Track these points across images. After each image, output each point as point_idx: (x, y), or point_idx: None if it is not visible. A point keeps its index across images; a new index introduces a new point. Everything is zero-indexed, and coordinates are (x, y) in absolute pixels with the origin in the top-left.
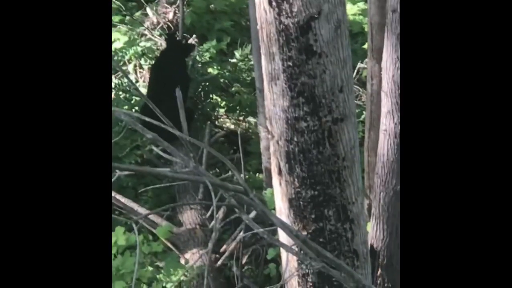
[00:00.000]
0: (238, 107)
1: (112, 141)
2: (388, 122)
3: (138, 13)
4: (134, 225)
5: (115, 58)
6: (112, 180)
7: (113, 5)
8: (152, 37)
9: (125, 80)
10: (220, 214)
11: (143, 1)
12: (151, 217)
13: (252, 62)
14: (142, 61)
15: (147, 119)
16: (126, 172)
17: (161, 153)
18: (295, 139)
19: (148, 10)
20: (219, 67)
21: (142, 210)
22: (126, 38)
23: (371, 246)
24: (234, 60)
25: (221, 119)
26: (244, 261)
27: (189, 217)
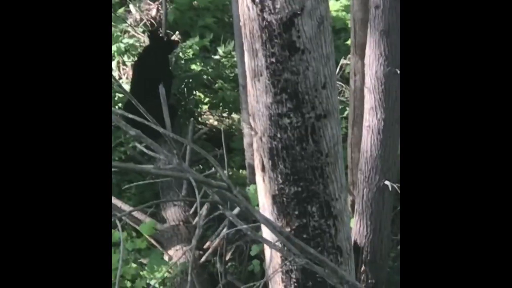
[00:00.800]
0: (221, 104)
1: None
2: (371, 118)
3: (121, 10)
4: (117, 222)
5: None
6: None
7: None
8: (135, 34)
9: None
10: (204, 210)
11: None
12: (135, 214)
13: (235, 59)
14: (125, 58)
15: (130, 116)
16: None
17: (144, 149)
18: (279, 135)
19: (131, 7)
20: (202, 64)
21: (126, 207)
22: None
23: (355, 242)
24: (217, 57)
25: (205, 116)
26: (227, 257)
27: (172, 214)
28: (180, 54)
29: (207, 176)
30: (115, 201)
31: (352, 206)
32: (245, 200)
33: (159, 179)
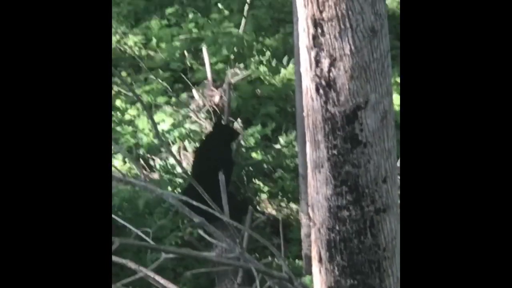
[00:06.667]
0: (280, 193)
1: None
2: None
3: (184, 95)
4: None
5: (163, 139)
6: (159, 261)
7: (160, 86)
8: (198, 120)
9: (170, 161)
10: None
11: (189, 84)
12: None
13: (296, 149)
14: (186, 143)
15: (194, 203)
16: (172, 255)
17: (205, 235)
18: (337, 227)
19: (194, 92)
20: (263, 152)
21: None
22: (171, 120)
23: None
24: (278, 146)
25: (263, 204)
26: None
27: None
28: (242, 142)
29: (264, 265)
30: (170, 285)
31: None
32: None
33: (218, 266)
